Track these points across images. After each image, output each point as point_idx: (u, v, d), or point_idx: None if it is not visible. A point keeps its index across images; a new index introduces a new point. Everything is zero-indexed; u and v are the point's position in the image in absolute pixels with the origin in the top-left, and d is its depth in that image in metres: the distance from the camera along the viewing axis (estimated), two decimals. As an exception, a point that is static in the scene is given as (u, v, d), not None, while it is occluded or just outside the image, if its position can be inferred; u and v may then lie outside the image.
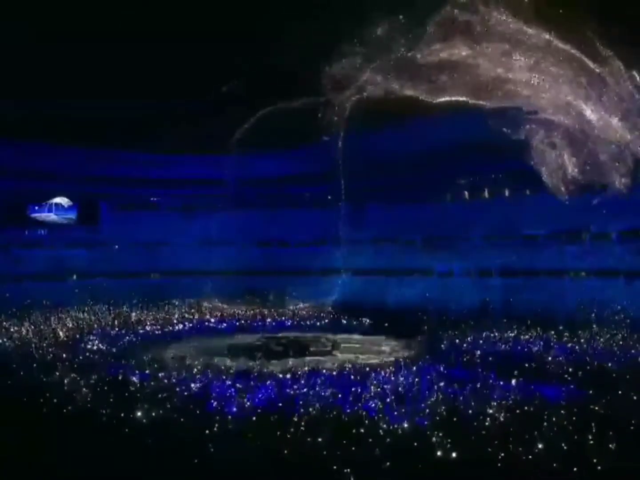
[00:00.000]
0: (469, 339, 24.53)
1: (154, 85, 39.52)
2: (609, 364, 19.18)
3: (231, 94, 32.15)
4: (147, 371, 18.37)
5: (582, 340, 23.50)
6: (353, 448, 11.36)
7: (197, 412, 13.98)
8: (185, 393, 15.68)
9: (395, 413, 13.57)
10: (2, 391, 15.71)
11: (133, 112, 37.39)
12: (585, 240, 34.02)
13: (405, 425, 12.68)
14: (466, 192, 41.70)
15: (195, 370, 18.86)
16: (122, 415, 13.75)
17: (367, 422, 12.84)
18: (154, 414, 13.86)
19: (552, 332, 25.27)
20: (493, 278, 36.07)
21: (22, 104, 37.99)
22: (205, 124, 35.28)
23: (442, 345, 23.76)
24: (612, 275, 31.75)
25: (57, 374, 17.75)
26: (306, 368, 19.28)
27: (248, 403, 14.58)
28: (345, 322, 31.70)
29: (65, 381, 16.77)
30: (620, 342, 22.80)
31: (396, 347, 25.84)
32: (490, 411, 13.62)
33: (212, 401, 14.73)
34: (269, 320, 32.79)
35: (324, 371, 18.42)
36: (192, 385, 16.41)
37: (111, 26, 38.84)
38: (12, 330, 26.92)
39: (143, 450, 11.69)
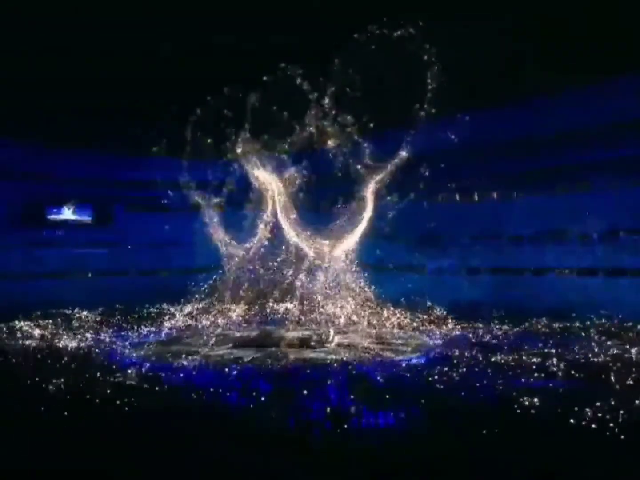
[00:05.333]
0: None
1: (163, 91, 39.77)
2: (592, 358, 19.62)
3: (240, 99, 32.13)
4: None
5: (565, 335, 24.15)
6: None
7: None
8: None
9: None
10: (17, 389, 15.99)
11: (144, 119, 37.60)
12: (568, 240, 34.39)
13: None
14: (457, 194, 42.06)
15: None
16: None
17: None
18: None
19: (536, 327, 26.07)
20: (480, 275, 36.53)
21: (38, 110, 38.36)
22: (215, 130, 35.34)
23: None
24: (593, 273, 32.29)
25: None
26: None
27: None
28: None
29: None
30: (600, 337, 23.40)
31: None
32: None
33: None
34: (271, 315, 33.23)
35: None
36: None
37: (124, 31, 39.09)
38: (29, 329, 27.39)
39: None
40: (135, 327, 28.79)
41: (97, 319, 30.54)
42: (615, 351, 20.47)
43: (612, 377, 16.44)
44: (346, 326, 29.39)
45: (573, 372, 17.48)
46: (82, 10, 37.40)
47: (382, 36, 26.49)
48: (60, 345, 23.41)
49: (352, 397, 14.61)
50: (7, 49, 36.15)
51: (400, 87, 26.82)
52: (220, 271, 35.28)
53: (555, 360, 19.08)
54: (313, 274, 32.64)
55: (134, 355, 22.15)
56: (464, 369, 18.13)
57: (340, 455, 11.18)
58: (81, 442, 11.46)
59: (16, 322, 28.65)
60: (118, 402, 14.63)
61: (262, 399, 14.80)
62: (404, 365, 19.65)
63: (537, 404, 13.87)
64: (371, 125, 28.34)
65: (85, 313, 31.84)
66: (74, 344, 23.89)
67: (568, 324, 26.35)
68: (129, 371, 18.24)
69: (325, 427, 12.58)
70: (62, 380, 16.69)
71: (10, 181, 39.05)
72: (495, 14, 34.11)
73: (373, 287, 32.24)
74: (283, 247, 33.48)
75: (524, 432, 11.89)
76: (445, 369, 18.29)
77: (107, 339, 25.40)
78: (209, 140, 32.19)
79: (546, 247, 34.60)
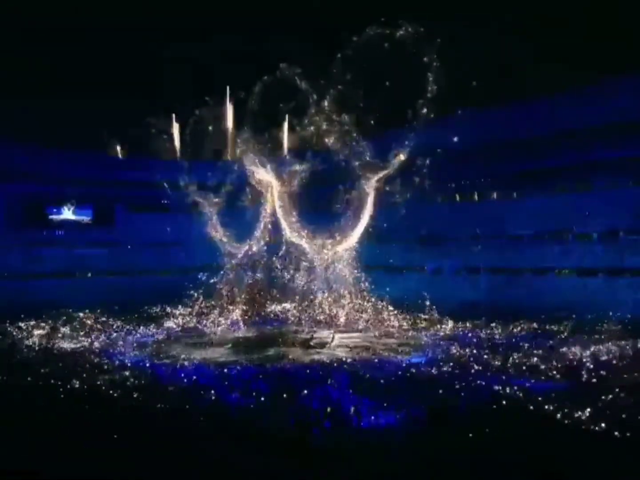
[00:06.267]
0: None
1: (165, 93, 39.89)
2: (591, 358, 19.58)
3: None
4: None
5: (565, 334, 24.13)
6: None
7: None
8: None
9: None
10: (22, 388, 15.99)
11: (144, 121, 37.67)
12: (567, 240, 34.36)
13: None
14: (457, 194, 42.04)
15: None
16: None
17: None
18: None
19: (535, 327, 26.08)
20: (480, 275, 36.50)
21: (42, 111, 38.45)
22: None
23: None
24: (593, 273, 32.25)
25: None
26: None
27: None
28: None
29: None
30: (599, 336, 23.35)
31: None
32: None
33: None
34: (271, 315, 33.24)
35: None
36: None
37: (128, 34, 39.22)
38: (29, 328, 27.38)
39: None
40: (135, 327, 28.72)
41: (97, 319, 30.44)
42: (614, 351, 20.42)
43: (611, 377, 16.41)
44: (346, 326, 29.33)
45: (572, 372, 17.46)
46: (83, 12, 37.48)
47: (382, 36, 26.50)
48: (60, 345, 23.41)
49: (352, 397, 14.58)
50: (7, 49, 36.23)
51: (401, 88, 26.87)
52: (221, 271, 35.50)
53: (554, 360, 19.06)
54: (313, 273, 32.66)
55: (134, 355, 22.12)
56: (464, 369, 18.10)
57: (340, 455, 11.15)
58: (81, 442, 11.43)
59: (17, 322, 28.62)
60: (118, 402, 14.61)
61: (262, 399, 14.77)
62: (403, 365, 19.61)
63: (537, 403, 13.85)
64: (372, 123, 28.32)
65: (84, 313, 31.72)
66: (74, 344, 23.88)
67: (567, 324, 26.27)
68: (129, 371, 18.22)
69: (325, 427, 12.54)
70: (61, 380, 16.68)
71: (10, 181, 39.01)
72: (495, 14, 34.14)
73: (373, 287, 32.25)
74: (283, 246, 33.50)
75: (523, 432, 11.85)
76: (445, 368, 18.27)
77: (107, 339, 25.36)
78: (208, 141, 32.21)
79: (546, 247, 34.56)
